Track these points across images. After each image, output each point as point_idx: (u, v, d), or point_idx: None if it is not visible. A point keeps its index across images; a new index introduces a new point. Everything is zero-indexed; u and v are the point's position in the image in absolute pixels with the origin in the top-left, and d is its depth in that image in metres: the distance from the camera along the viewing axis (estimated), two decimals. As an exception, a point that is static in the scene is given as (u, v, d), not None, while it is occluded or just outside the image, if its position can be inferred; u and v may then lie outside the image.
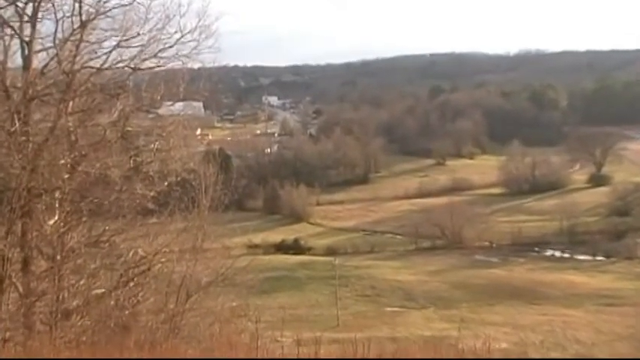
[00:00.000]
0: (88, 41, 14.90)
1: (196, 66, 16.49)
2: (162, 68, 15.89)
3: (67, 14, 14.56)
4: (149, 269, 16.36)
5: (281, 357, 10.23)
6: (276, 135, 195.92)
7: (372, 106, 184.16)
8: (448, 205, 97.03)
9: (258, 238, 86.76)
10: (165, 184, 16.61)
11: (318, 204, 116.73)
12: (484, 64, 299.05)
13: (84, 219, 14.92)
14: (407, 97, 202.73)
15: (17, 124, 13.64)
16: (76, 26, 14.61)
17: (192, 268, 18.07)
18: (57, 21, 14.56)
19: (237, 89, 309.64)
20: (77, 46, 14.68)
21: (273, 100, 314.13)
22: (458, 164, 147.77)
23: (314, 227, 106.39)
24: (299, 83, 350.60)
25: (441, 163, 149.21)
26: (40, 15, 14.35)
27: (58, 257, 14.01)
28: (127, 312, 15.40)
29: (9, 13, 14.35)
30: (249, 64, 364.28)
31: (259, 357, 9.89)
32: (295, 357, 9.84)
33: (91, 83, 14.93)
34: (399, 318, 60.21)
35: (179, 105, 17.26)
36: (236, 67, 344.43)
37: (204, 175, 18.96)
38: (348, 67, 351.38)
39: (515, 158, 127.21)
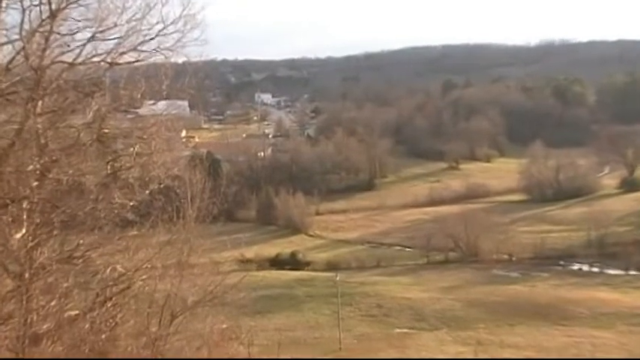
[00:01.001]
0: (58, 33, 14.62)
1: (181, 60, 16.46)
2: (143, 63, 15.81)
3: (35, 2, 14.26)
4: (129, 288, 16.45)
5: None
6: (270, 136, 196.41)
7: (378, 104, 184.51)
8: (462, 214, 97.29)
9: (250, 252, 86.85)
10: (147, 192, 16.63)
11: (318, 213, 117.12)
12: (502, 56, 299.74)
13: (55, 232, 14.83)
14: (416, 93, 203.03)
15: (-20, 127, 13.55)
16: (45, 16, 14.29)
17: (177, 286, 18.19)
18: (23, 10, 14.25)
19: (226, 86, 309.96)
20: (46, 39, 14.40)
21: (267, 97, 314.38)
22: (473, 168, 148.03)
23: (313, 239, 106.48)
24: (295, 79, 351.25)
25: (454, 167, 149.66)
26: (4, 4, 14.04)
27: (26, 275, 13.91)
28: (103, 336, 15.42)
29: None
30: (239, 58, 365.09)
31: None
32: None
33: (62, 80, 14.75)
34: (409, 340, 60.07)
35: (162, 104, 17.23)
36: (225, 61, 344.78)
37: (190, 182, 19.09)
38: (350, 60, 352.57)
39: (538, 161, 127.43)
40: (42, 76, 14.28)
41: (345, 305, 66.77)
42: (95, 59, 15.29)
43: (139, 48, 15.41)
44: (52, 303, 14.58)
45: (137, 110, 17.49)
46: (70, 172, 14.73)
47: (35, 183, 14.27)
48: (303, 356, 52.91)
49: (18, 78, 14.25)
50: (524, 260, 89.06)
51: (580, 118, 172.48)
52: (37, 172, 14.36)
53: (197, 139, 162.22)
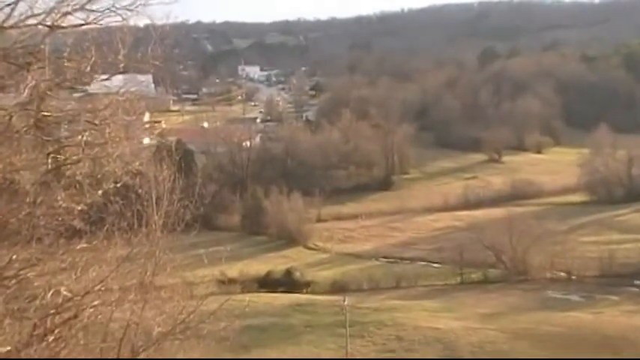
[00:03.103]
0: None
1: (142, 23, 16.44)
2: (94, 26, 15.71)
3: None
4: (76, 316, 16.27)
5: None
6: (258, 121, 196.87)
7: (396, 79, 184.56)
8: (506, 220, 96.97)
9: (234, 270, 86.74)
10: (100, 193, 16.62)
11: (320, 220, 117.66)
12: (557, 16, 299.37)
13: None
14: (446, 65, 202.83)
15: None
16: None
17: (139, 314, 18.28)
18: None
19: (201, 56, 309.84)
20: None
21: (254, 71, 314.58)
22: (520, 160, 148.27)
23: (314, 253, 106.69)
24: (290, 47, 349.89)
25: (495, 160, 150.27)
26: None
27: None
28: (44, 379, 15.20)
29: None
30: (218, 20, 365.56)
31: None
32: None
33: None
34: (438, 383, 60.16)
35: (118, 79, 17.23)
36: (199, 24, 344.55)
37: (155, 179, 19.26)
38: (360, 22, 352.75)
39: (604, 151, 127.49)
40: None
41: (355, 337, 66.68)
42: (31, 21, 15.10)
43: (87, 7, 15.25)
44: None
45: (86, 87, 17.50)
46: (0, 166, 14.71)
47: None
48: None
49: None
50: (587, 279, 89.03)
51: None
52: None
53: (164, 125, 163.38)
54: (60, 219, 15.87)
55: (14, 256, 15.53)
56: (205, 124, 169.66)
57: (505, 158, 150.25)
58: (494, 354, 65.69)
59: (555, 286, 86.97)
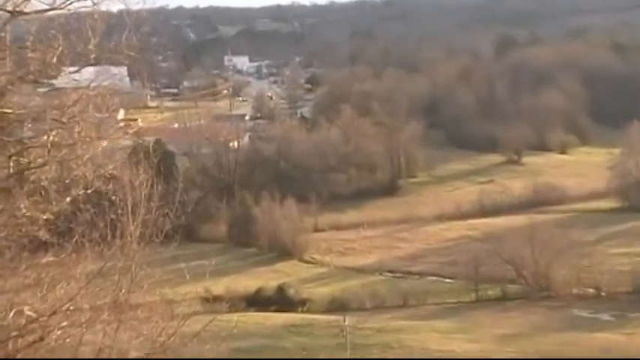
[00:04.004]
0: None
1: (116, 8, 16.52)
2: (61, 12, 15.61)
3: None
4: (42, 339, 16.20)
5: None
6: (247, 118, 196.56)
7: (403, 71, 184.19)
8: (527, 229, 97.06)
9: (219, 287, 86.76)
10: (68, 200, 16.54)
11: (317, 229, 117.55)
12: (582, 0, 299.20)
13: None
14: (458, 54, 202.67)
15: None
16: None
17: (112, 337, 18.06)
18: None
19: (183, 45, 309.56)
20: None
21: (242, 61, 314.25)
22: (542, 162, 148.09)
23: (310, 267, 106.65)
24: (283, 35, 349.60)
25: (514, 161, 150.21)
26: None
27: None
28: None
29: None
30: (201, 5, 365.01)
31: None
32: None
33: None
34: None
35: (88, 72, 17.20)
36: (181, 9, 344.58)
37: (131, 185, 18.86)
38: (362, 7, 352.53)
39: (636, 151, 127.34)
40: None
41: (357, 363, 66.62)
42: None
43: (54, -10, 15.03)
44: None
45: (52, 81, 17.86)
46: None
47: None
48: None
49: None
50: (618, 296, 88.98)
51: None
52: None
53: (141, 123, 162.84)
54: (23, 230, 15.77)
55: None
56: (187, 123, 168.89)
57: (525, 159, 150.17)
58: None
59: (582, 304, 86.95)
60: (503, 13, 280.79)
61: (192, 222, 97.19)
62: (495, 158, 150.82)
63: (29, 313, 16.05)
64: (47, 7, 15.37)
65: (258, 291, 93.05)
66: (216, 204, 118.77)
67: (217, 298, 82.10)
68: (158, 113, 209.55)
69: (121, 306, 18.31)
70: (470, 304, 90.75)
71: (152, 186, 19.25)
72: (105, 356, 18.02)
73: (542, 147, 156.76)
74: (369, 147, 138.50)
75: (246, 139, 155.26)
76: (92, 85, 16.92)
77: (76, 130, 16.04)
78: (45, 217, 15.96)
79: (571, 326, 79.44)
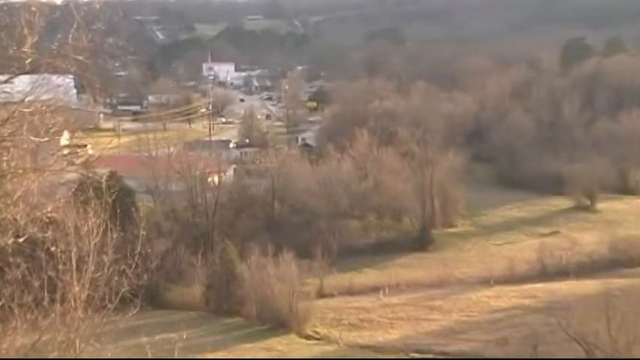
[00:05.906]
0: None
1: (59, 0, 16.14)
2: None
3: None
4: None
5: None
6: (232, 146, 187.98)
7: (437, 85, 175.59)
8: (602, 298, 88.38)
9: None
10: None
11: (323, 294, 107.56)
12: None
13: None
14: (512, 64, 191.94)
15: None
16: None
17: None
18: None
19: (148, 48, 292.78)
20: None
21: (227, 70, 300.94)
22: (622, 209, 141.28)
23: (313, 344, 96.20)
24: (280, 36, 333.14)
25: (586, 207, 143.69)
26: None
27: None
28: None
29: None
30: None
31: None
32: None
33: None
34: None
35: (22, 82, 17.19)
36: (145, 2, 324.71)
37: (76, 232, 19.14)
38: (381, 2, 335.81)
39: None
40: None
41: None
42: None
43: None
44: None
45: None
46: None
47: None
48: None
49: None
50: None
51: None
52: None
53: (91, 151, 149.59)
54: None
55: None
56: (152, 150, 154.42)
57: (601, 205, 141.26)
58: None
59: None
60: (571, 11, 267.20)
61: (157, 282, 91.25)
62: (561, 202, 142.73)
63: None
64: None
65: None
66: (189, 258, 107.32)
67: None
68: (114, 137, 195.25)
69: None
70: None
71: (105, 234, 20.20)
72: None
73: (623, 189, 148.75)
74: (392, 185, 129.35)
75: (230, 172, 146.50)
76: (27, 99, 17.03)
77: (4, 158, 16.26)
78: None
79: None
